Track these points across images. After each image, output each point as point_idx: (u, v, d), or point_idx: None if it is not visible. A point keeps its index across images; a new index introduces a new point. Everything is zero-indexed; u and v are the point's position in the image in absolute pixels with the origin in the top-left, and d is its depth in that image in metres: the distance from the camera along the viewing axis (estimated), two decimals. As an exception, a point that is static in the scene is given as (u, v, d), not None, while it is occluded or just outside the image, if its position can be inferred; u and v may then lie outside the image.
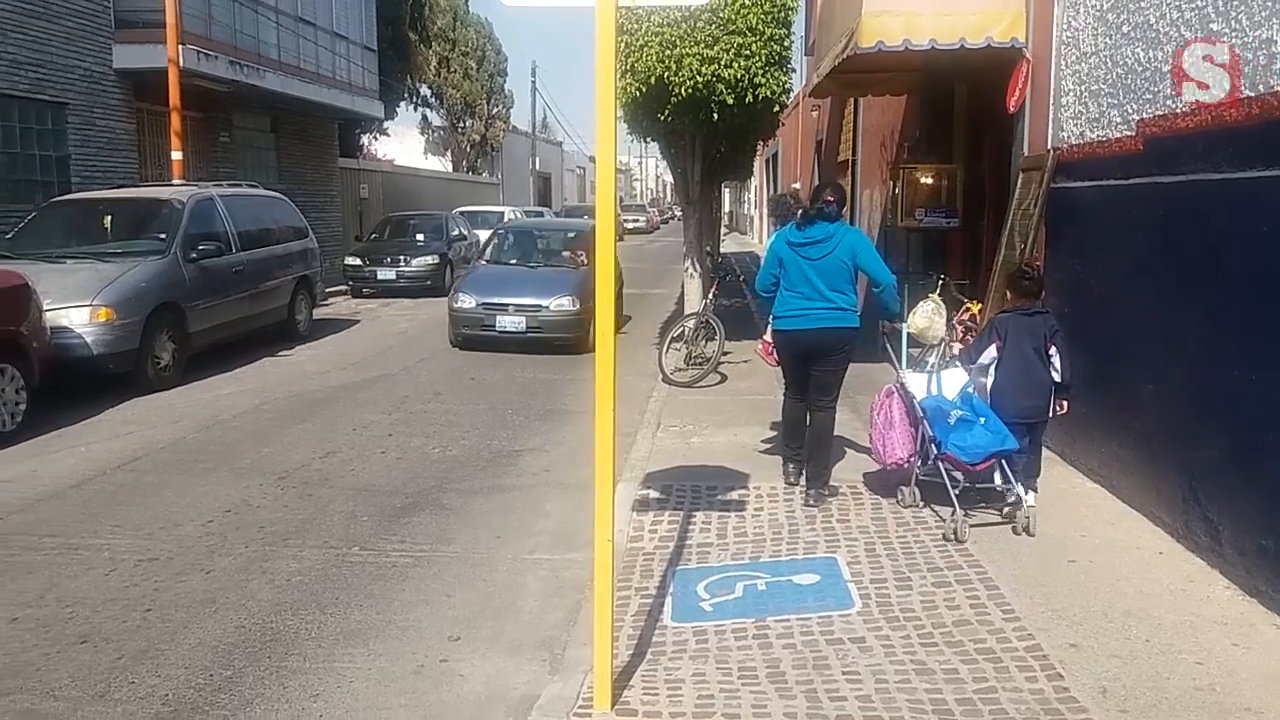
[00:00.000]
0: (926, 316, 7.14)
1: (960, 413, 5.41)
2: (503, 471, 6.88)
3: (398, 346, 12.73)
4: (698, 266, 11.49)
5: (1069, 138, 6.61)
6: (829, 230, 5.73)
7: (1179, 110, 5.10)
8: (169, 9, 14.23)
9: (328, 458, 7.13)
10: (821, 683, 3.67)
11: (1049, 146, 6.87)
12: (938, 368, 5.96)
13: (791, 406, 6.18)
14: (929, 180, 9.95)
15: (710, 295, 10.71)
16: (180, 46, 14.52)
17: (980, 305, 7.72)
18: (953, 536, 5.08)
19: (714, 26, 9.26)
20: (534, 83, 45.71)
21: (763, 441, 7.15)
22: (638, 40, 9.37)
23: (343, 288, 19.04)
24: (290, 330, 12.87)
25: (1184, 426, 4.98)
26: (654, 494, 5.99)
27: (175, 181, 13.81)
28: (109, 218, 10.80)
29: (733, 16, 9.25)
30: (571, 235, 14.40)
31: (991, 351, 5.54)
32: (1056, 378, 5.46)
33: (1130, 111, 5.69)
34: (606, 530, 3.40)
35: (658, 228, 53.58)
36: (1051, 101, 6.88)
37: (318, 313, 14.56)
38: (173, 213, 10.67)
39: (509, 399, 9.30)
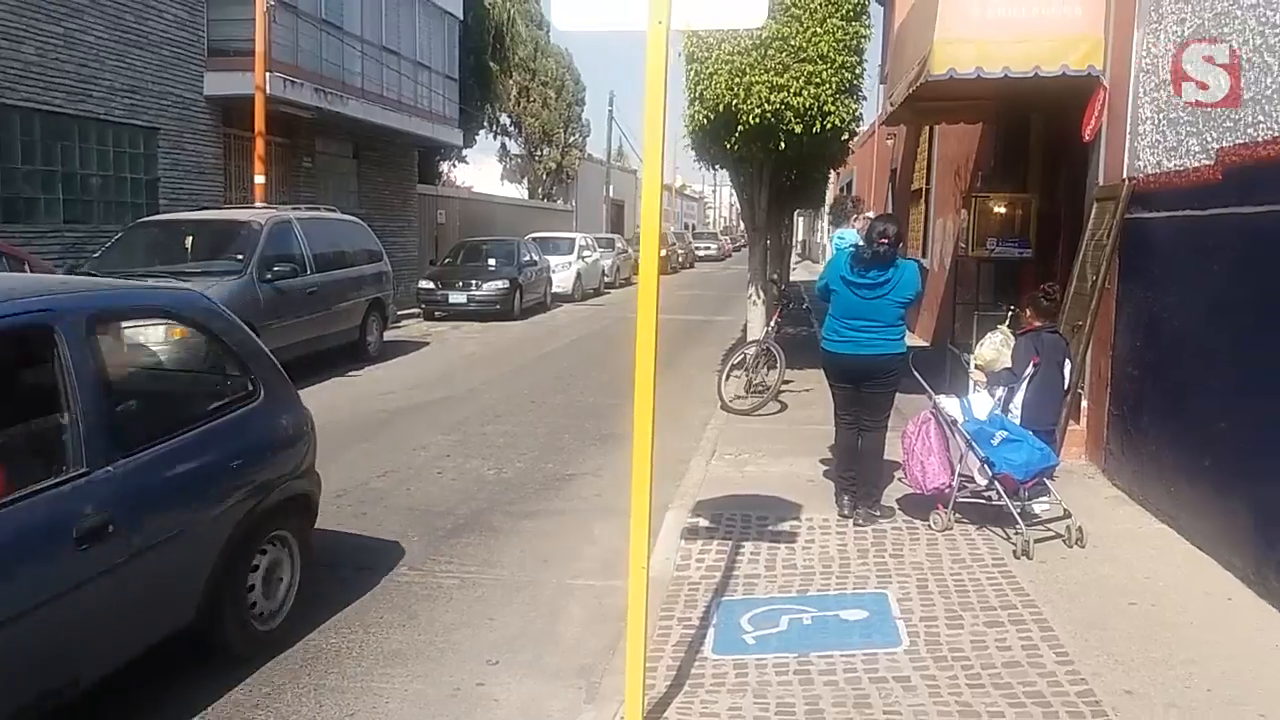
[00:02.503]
0: (994, 348, 6.99)
1: (1004, 434, 5.57)
2: (554, 495, 6.87)
3: (464, 369, 12.87)
4: (761, 294, 11.40)
5: (1145, 167, 6.40)
6: (887, 275, 5.66)
7: (1260, 139, 4.90)
8: (259, 38, 14.76)
9: (385, 476, 7.21)
10: (861, 722, 3.55)
11: (1124, 176, 6.66)
12: (1008, 398, 6.08)
13: (844, 433, 6.09)
14: (1002, 210, 9.73)
15: (773, 323, 10.60)
16: (268, 74, 15.04)
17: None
18: (1024, 554, 5.17)
19: (785, 54, 9.22)
20: (610, 111, 46.23)
21: (819, 472, 7.02)
22: (707, 68, 9.39)
23: (416, 310, 19.37)
24: (361, 351, 13.11)
25: (1258, 467, 4.74)
26: (704, 522, 5.91)
27: (257, 205, 14.24)
28: (190, 238, 11.19)
29: (804, 44, 9.21)
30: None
31: (1030, 367, 5.99)
32: (1066, 387, 6.17)
33: (1209, 140, 5.48)
34: (642, 558, 3.35)
35: (729, 255, 53.42)
36: (1128, 130, 6.68)
37: (389, 334, 14.82)
38: (250, 234, 10.99)
39: (567, 422, 9.31)
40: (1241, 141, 5.09)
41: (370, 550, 5.63)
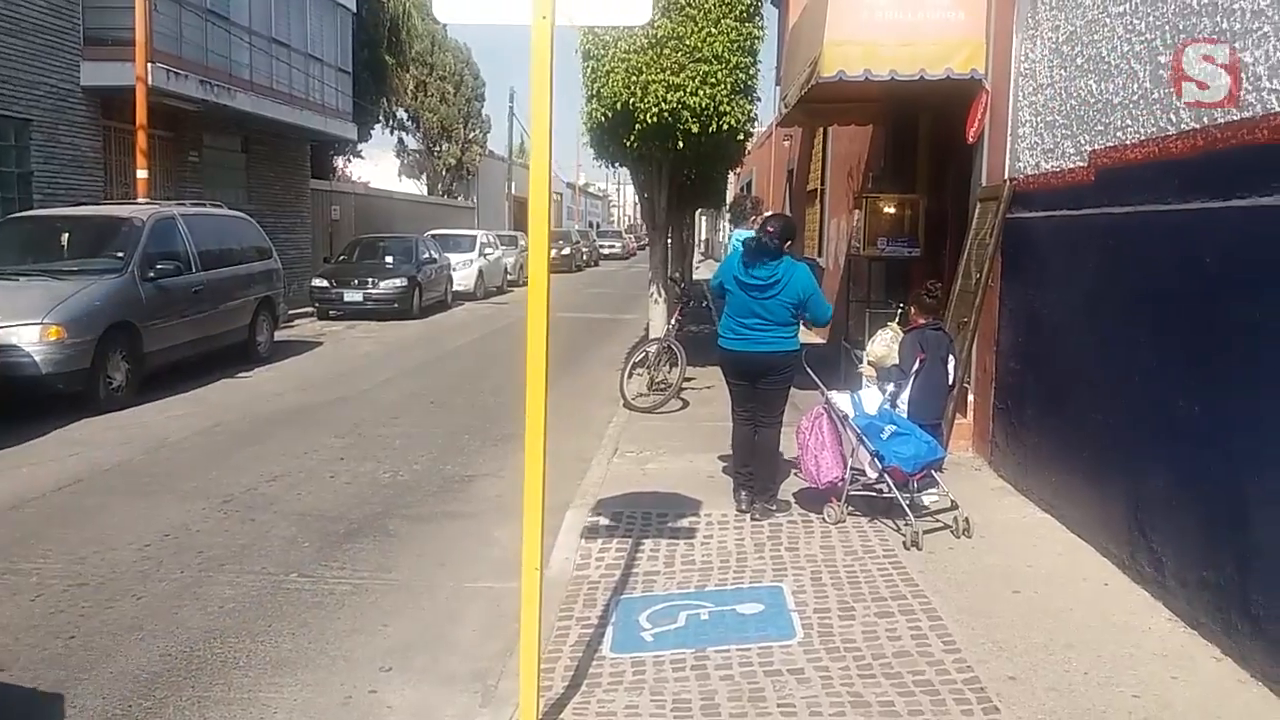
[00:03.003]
0: (884, 345, 7.18)
1: (893, 428, 5.74)
2: (453, 498, 6.77)
3: (359, 369, 12.60)
4: (663, 293, 11.46)
5: (1025, 168, 6.64)
6: (776, 274, 5.73)
7: (1128, 142, 5.13)
8: (138, 27, 14.17)
9: (275, 481, 7.00)
10: (756, 716, 3.59)
11: (1005, 177, 6.90)
12: (896, 393, 6.26)
13: (740, 428, 6.18)
14: (892, 210, 9.99)
15: (674, 321, 10.67)
16: (149, 65, 14.46)
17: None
18: (913, 545, 5.31)
19: (680, 54, 9.28)
20: (511, 108, 45.73)
21: (719, 468, 7.08)
22: (604, 66, 9.38)
23: (309, 309, 18.88)
24: (250, 351, 12.72)
25: (1130, 457, 4.96)
26: (604, 521, 5.90)
27: (139, 200, 13.68)
28: (66, 235, 10.68)
29: (699, 44, 9.28)
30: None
31: (916, 363, 6.21)
32: (950, 381, 6.44)
33: (1083, 142, 5.72)
34: (535, 559, 3.31)
35: (634, 253, 53.61)
36: (1009, 132, 6.92)
37: (281, 334, 14.44)
38: (131, 231, 10.56)
39: (468, 423, 9.20)
40: (1111, 144, 5.32)
41: (259, 556, 5.46)
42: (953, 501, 5.79)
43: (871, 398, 6.07)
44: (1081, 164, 5.70)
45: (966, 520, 5.56)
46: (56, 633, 4.43)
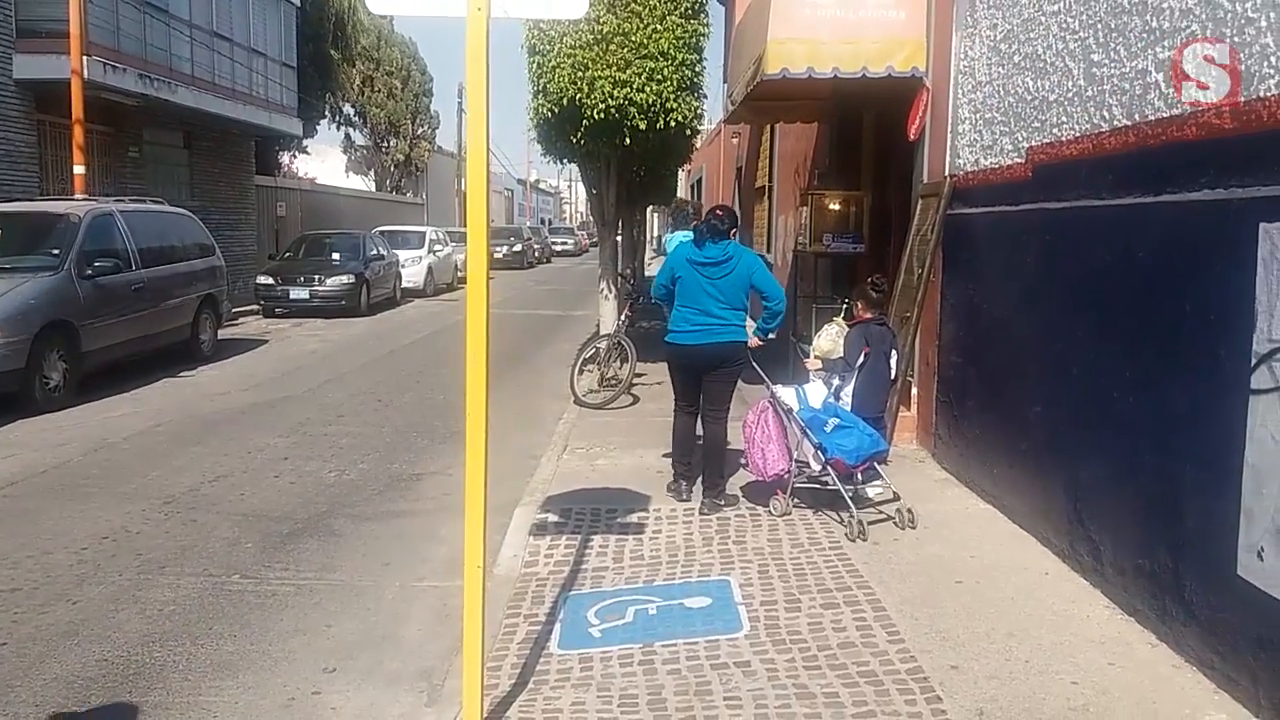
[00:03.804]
0: (831, 339, 7.23)
1: (836, 420, 5.85)
2: (400, 496, 6.71)
3: (305, 368, 12.43)
4: (613, 288, 11.46)
5: (965, 165, 6.74)
6: (728, 251, 5.93)
7: (1063, 138, 5.22)
8: (73, 19, 13.84)
9: (217, 482, 6.89)
10: (702, 709, 3.60)
11: (946, 174, 7.00)
12: (841, 387, 6.35)
13: (683, 422, 6.29)
14: (837, 206, 10.07)
15: (623, 317, 10.67)
16: (84, 58, 14.12)
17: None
18: (858, 536, 5.39)
19: (626, 50, 9.28)
20: (460, 104, 45.29)
21: (668, 463, 7.09)
22: (550, 61, 9.35)
23: (254, 307, 18.58)
24: (193, 350, 12.51)
25: (1068, 447, 5.06)
26: (553, 518, 5.88)
27: (76, 196, 13.35)
28: (-1, 232, 10.39)
29: (644, 41, 9.29)
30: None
31: (862, 357, 6.29)
32: (892, 375, 6.53)
33: (1020, 139, 5.81)
34: (477, 557, 3.29)
35: (586, 250, 53.48)
36: (950, 130, 7.02)
37: (225, 332, 14.19)
38: (68, 228, 10.32)
39: (416, 421, 9.12)
40: (1048, 140, 5.41)
41: (200, 558, 5.37)
42: (895, 493, 5.89)
43: (816, 391, 6.14)
44: (1019, 160, 5.80)
45: (910, 512, 5.64)
46: (-12, 640, 4.32)
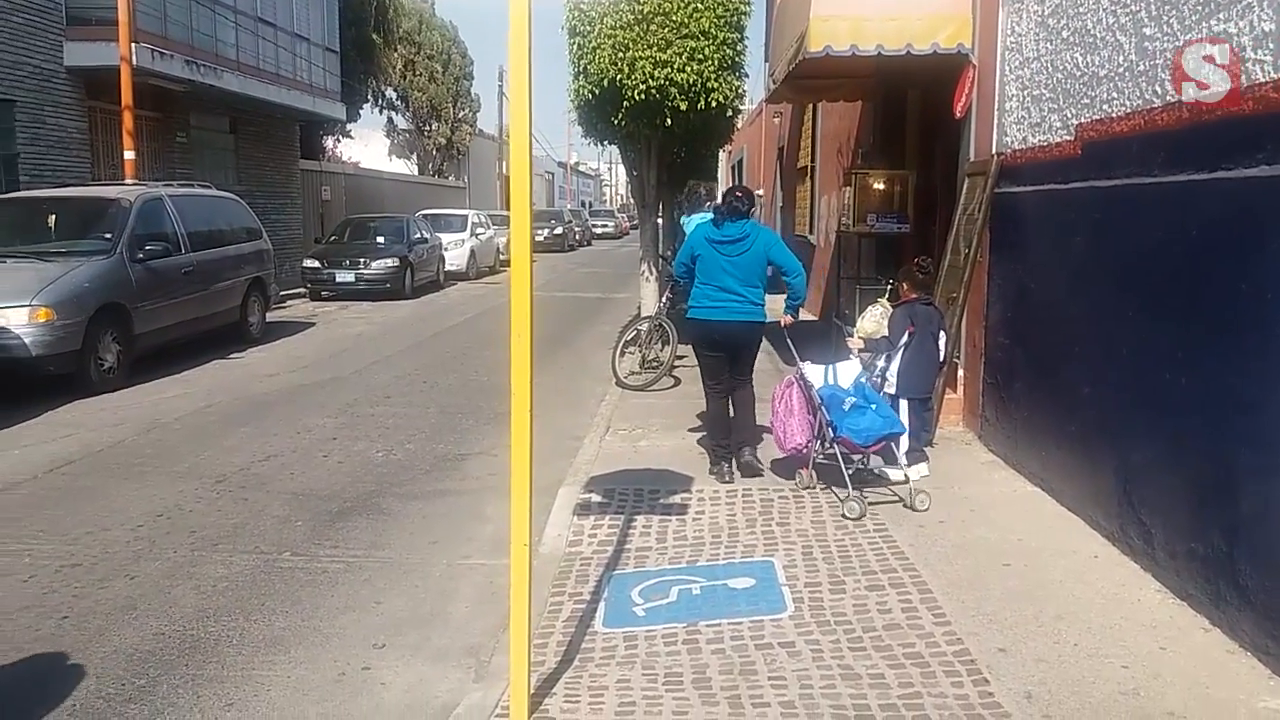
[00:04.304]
0: (875, 320, 7.18)
1: (853, 400, 5.85)
2: (446, 476, 6.79)
3: (352, 350, 12.59)
4: (654, 271, 11.45)
5: (1012, 143, 6.64)
6: (745, 229, 6.17)
7: (1114, 115, 5.13)
8: (121, 6, 14.06)
9: (268, 461, 7.01)
10: (746, 688, 3.62)
11: (993, 152, 6.89)
12: (885, 367, 6.34)
13: (715, 403, 6.44)
14: (881, 186, 9.97)
15: (665, 299, 10.67)
16: (133, 45, 14.34)
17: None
18: (851, 514, 5.45)
19: (667, 30, 9.23)
20: (500, 87, 45.43)
21: (709, 445, 7.10)
22: (590, 43, 9.34)
23: (301, 290, 18.82)
24: (242, 332, 12.71)
25: (1119, 429, 4.99)
26: (596, 498, 5.92)
27: (127, 181, 13.60)
28: (53, 217, 10.62)
29: (685, 20, 9.24)
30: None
31: (906, 336, 6.25)
32: (941, 357, 6.50)
33: (1070, 116, 5.71)
34: (524, 535, 3.33)
35: (626, 232, 53.50)
36: (996, 107, 6.91)
37: (273, 315, 14.41)
38: (119, 212, 10.50)
39: (461, 402, 9.21)
40: (1098, 117, 5.31)
41: (252, 536, 5.47)
42: (906, 475, 5.82)
43: (848, 370, 6.11)
44: (1068, 137, 5.70)
45: (915, 492, 5.63)
46: (49, 613, 4.45)
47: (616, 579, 4.73)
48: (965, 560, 4.86)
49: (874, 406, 5.79)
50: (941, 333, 6.49)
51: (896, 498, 5.75)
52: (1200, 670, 3.74)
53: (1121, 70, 5.05)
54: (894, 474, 5.95)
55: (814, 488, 5.94)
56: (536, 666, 3.70)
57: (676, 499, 5.88)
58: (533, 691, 3.46)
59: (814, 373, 6.04)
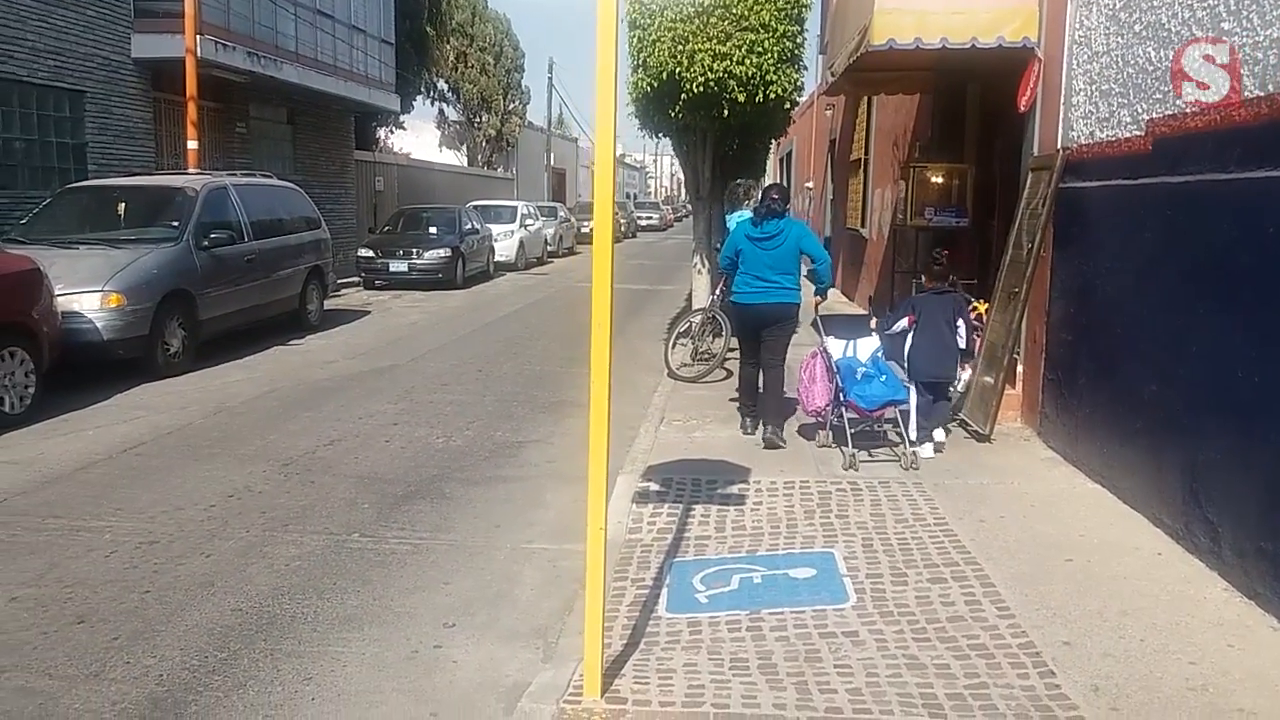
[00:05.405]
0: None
1: (865, 369, 6.64)
2: (505, 462, 6.90)
3: (407, 338, 12.78)
4: (706, 263, 11.46)
5: (1079, 137, 6.58)
6: (780, 226, 7.01)
7: (1187, 110, 5.07)
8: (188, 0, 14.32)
9: (332, 445, 7.17)
10: (813, 675, 3.67)
11: (1059, 146, 6.83)
12: (884, 347, 7.04)
13: (747, 373, 7.42)
14: (939, 179, 9.91)
15: (718, 291, 10.68)
16: (198, 37, 14.61)
17: (986, 304, 7.70)
18: (850, 467, 6.28)
19: (726, 22, 9.23)
20: (550, 79, 45.72)
21: (766, 437, 7.13)
22: (650, 35, 9.36)
23: (355, 279, 19.11)
24: (301, 320, 12.95)
25: (1186, 427, 4.95)
26: (654, 486, 5.99)
27: (191, 170, 13.89)
28: (123, 205, 10.89)
29: (745, 13, 9.22)
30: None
31: (903, 324, 6.79)
32: (962, 345, 6.81)
33: (1140, 111, 5.65)
34: (600, 519, 3.40)
35: (671, 225, 53.55)
36: (1062, 101, 6.85)
37: (329, 303, 14.65)
38: (186, 201, 10.74)
39: (516, 390, 9.33)
40: (1170, 113, 5.26)
41: (320, 517, 5.61)
42: (909, 440, 6.50)
43: (867, 345, 6.86)
44: (1139, 133, 5.64)
45: (914, 455, 6.38)
46: (132, 587, 4.61)
47: (677, 566, 4.80)
48: (1027, 555, 4.85)
49: (883, 378, 6.52)
50: (960, 320, 6.80)
51: (895, 458, 6.51)
52: (1271, 668, 3.72)
53: (1197, 65, 4.99)
54: (925, 453, 6.57)
55: (830, 446, 6.74)
56: (604, 648, 3.77)
57: (734, 489, 5.93)
58: (603, 673, 3.54)
59: (835, 346, 6.83)
